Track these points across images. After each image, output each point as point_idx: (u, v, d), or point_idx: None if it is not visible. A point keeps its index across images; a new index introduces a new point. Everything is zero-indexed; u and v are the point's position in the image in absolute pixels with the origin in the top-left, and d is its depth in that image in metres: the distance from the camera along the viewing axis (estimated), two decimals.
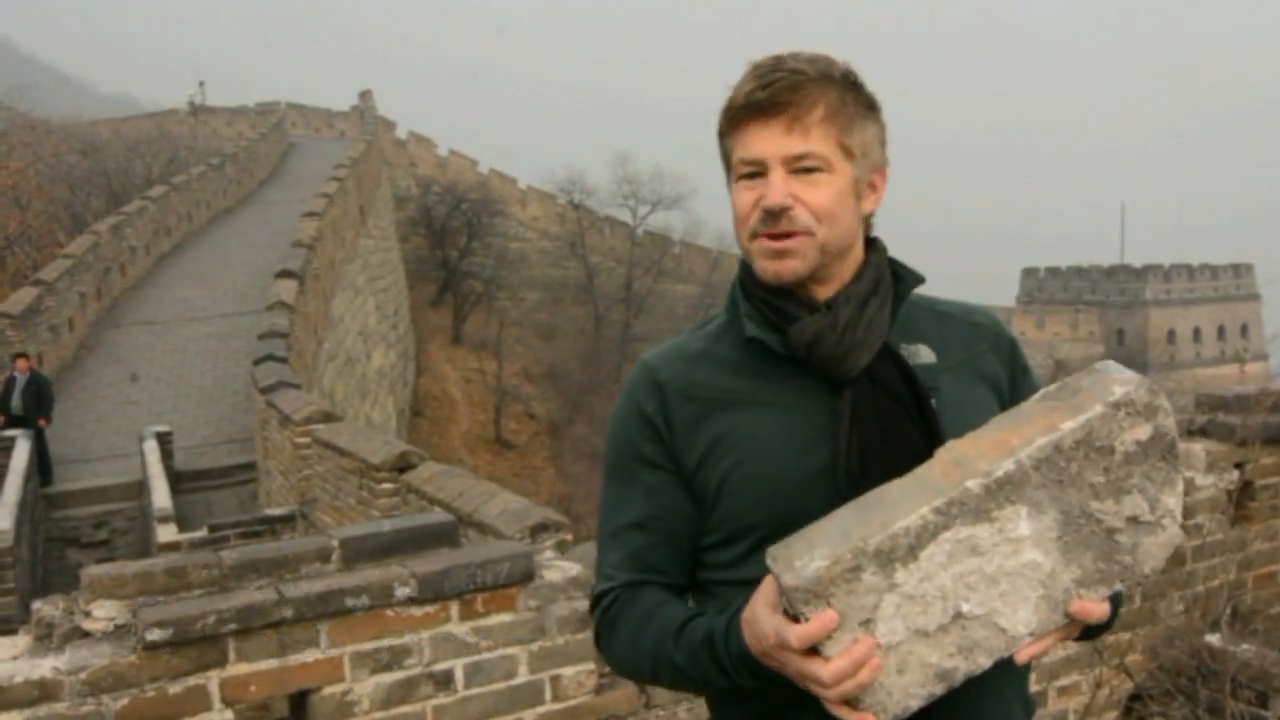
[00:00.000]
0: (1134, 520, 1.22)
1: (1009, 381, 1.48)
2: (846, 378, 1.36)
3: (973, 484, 1.18)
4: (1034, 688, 3.55)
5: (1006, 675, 1.37)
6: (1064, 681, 3.60)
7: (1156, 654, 3.58)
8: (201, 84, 51.93)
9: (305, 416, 9.43)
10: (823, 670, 1.17)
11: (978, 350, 1.47)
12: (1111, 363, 1.29)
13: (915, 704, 1.20)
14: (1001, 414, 1.29)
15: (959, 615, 1.19)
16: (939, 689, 1.20)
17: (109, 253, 22.52)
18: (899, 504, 1.19)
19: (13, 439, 12.67)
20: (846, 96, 1.38)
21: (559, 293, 48.14)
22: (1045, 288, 65.29)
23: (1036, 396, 1.28)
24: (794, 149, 1.35)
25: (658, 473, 1.44)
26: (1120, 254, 67.25)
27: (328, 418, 9.48)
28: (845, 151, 1.38)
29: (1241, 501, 4.07)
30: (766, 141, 1.36)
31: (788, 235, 1.36)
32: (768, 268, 1.38)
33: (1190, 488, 3.89)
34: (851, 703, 1.19)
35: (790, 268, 1.37)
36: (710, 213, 52.55)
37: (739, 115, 1.38)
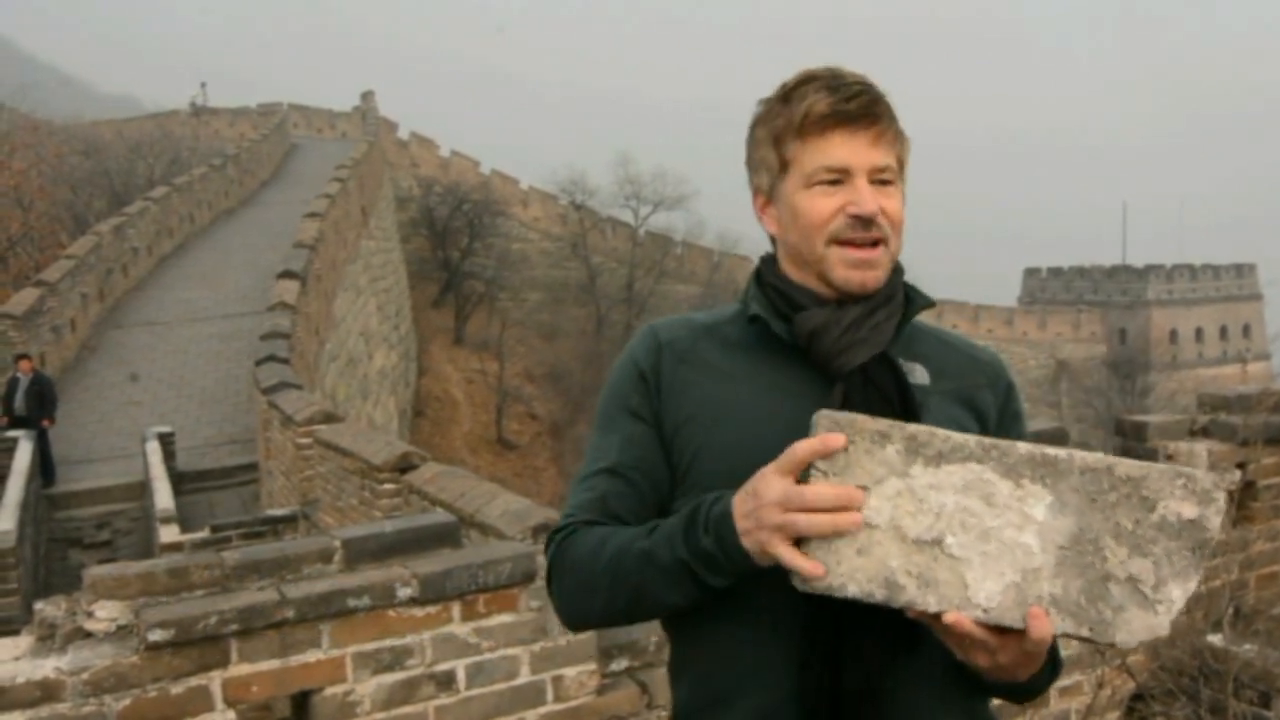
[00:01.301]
0: (1134, 582, 1.21)
1: (997, 421, 1.50)
2: (841, 372, 1.39)
3: (1021, 445, 1.22)
4: None
5: (959, 692, 1.38)
6: (1065, 682, 3.60)
7: (1158, 654, 3.58)
8: (203, 85, 52.01)
9: (307, 417, 9.44)
10: (808, 489, 1.20)
11: (974, 382, 1.50)
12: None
13: (851, 590, 1.20)
14: None
15: (939, 542, 1.20)
16: (879, 595, 1.20)
17: (111, 253, 22.55)
18: (953, 431, 1.25)
19: (15, 439, 12.69)
20: (894, 114, 1.45)
21: (560, 293, 48.14)
22: (1047, 288, 65.27)
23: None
24: (878, 161, 1.41)
25: (640, 425, 1.47)
26: (1122, 254, 67.22)
27: (329, 418, 9.48)
28: (901, 166, 1.46)
29: (1244, 502, 4.07)
30: (852, 151, 1.40)
31: (873, 244, 1.41)
32: (853, 277, 1.41)
33: None
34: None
35: (875, 277, 1.42)
36: (712, 213, 52.57)
37: (822, 123, 1.40)
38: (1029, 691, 1.37)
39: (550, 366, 41.41)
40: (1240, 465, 4.03)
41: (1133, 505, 1.21)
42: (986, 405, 1.49)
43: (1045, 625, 1.20)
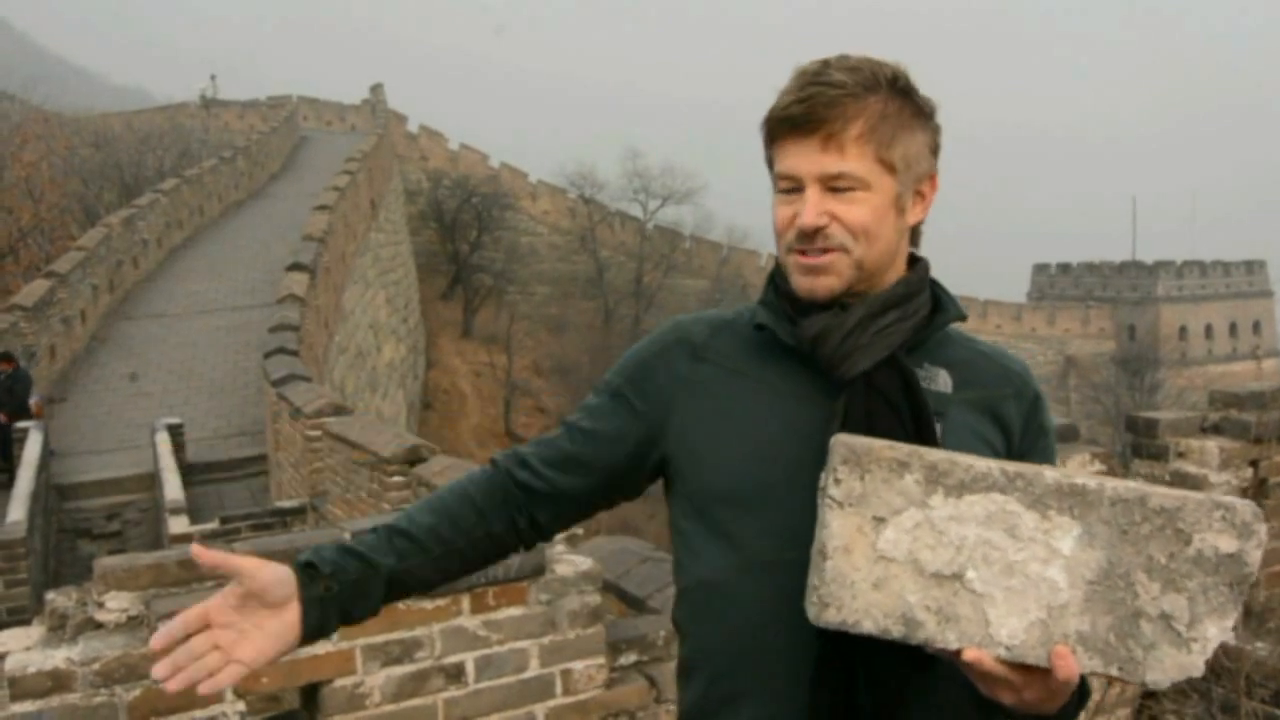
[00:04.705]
0: (1166, 620, 1.16)
1: (1022, 432, 1.44)
2: (843, 379, 1.35)
3: (1049, 473, 1.17)
4: None
5: (976, 711, 1.31)
6: None
7: None
8: (213, 77, 52.09)
9: (316, 409, 9.45)
10: (157, 635, 1.26)
11: (1000, 393, 1.43)
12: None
13: (867, 626, 1.17)
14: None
15: (959, 577, 1.16)
16: (896, 631, 1.16)
17: (121, 245, 22.60)
18: (973, 457, 1.20)
19: (26, 430, 12.74)
20: (890, 107, 1.34)
21: (569, 287, 48.18)
22: (1056, 284, 65.05)
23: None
24: (829, 168, 1.33)
25: (618, 404, 1.47)
26: (1132, 250, 66.88)
27: (338, 410, 9.50)
28: (885, 167, 1.34)
29: (1255, 499, 4.05)
30: (801, 159, 1.34)
31: (822, 252, 1.35)
32: (802, 284, 1.37)
33: (1204, 485, 3.87)
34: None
35: (825, 285, 1.36)
36: (721, 208, 52.59)
37: (777, 129, 1.36)
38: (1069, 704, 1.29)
39: (558, 360, 41.45)
40: (1253, 463, 4.02)
41: (1167, 538, 1.15)
42: (1011, 416, 1.42)
43: (1071, 665, 1.15)
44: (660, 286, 48.21)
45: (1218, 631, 1.16)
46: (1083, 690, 1.28)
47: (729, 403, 1.41)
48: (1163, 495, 1.16)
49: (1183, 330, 60.22)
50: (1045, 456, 1.46)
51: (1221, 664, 3.34)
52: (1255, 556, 1.16)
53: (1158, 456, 4.04)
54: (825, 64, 1.35)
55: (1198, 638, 1.16)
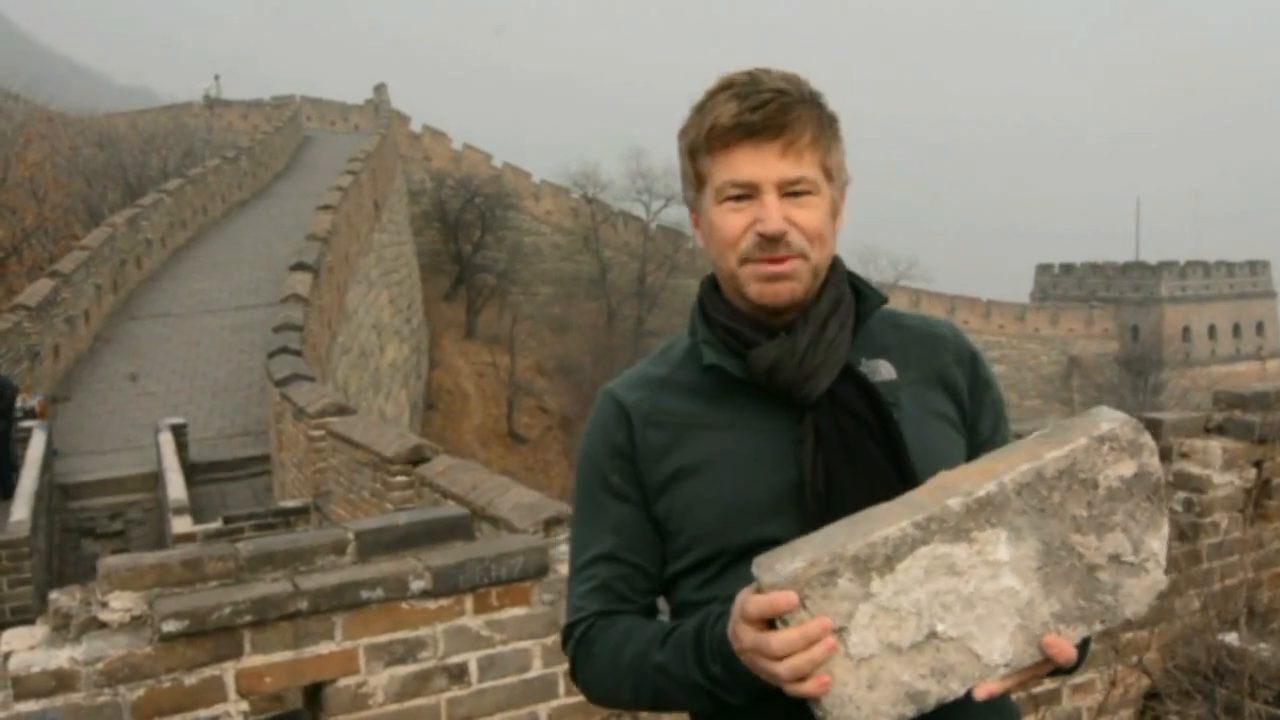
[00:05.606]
0: (1116, 559, 1.21)
1: (970, 393, 1.46)
2: (807, 401, 1.35)
3: (953, 502, 1.18)
4: (1048, 686, 3.54)
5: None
6: (1078, 680, 3.58)
7: (1173, 652, 3.56)
8: (217, 77, 52.20)
9: (319, 409, 9.45)
10: (772, 638, 1.14)
11: (941, 362, 1.45)
12: (1104, 407, 1.29)
13: None
14: (994, 451, 1.29)
15: (933, 635, 1.18)
16: (909, 711, 1.18)
17: (125, 245, 22.63)
18: (883, 519, 1.20)
19: (30, 430, 12.76)
20: (823, 117, 1.37)
21: (572, 287, 48.19)
22: (1059, 284, 64.98)
23: (1031, 436, 1.27)
24: (789, 173, 1.34)
25: (626, 505, 1.44)
26: (1135, 250, 66.88)
27: (341, 410, 9.50)
28: (826, 174, 1.38)
29: (1259, 500, 4.04)
30: (760, 165, 1.34)
31: (783, 259, 1.35)
32: (765, 290, 1.36)
33: (1207, 486, 3.87)
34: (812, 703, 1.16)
35: (788, 289, 1.36)
36: None
37: (726, 136, 1.34)
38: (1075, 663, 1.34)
39: (561, 360, 41.46)
40: (1257, 464, 4.01)
41: (1077, 493, 1.20)
42: (958, 381, 1.45)
43: (1064, 647, 1.19)
44: (663, 287, 48.22)
45: (1159, 543, 1.23)
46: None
47: (694, 458, 1.39)
48: (1053, 458, 1.20)
49: (1186, 331, 60.13)
50: (995, 411, 1.48)
51: (1225, 665, 3.34)
52: (1155, 463, 1.23)
53: (1161, 457, 4.02)
54: (755, 75, 1.37)
55: (1148, 557, 1.22)
